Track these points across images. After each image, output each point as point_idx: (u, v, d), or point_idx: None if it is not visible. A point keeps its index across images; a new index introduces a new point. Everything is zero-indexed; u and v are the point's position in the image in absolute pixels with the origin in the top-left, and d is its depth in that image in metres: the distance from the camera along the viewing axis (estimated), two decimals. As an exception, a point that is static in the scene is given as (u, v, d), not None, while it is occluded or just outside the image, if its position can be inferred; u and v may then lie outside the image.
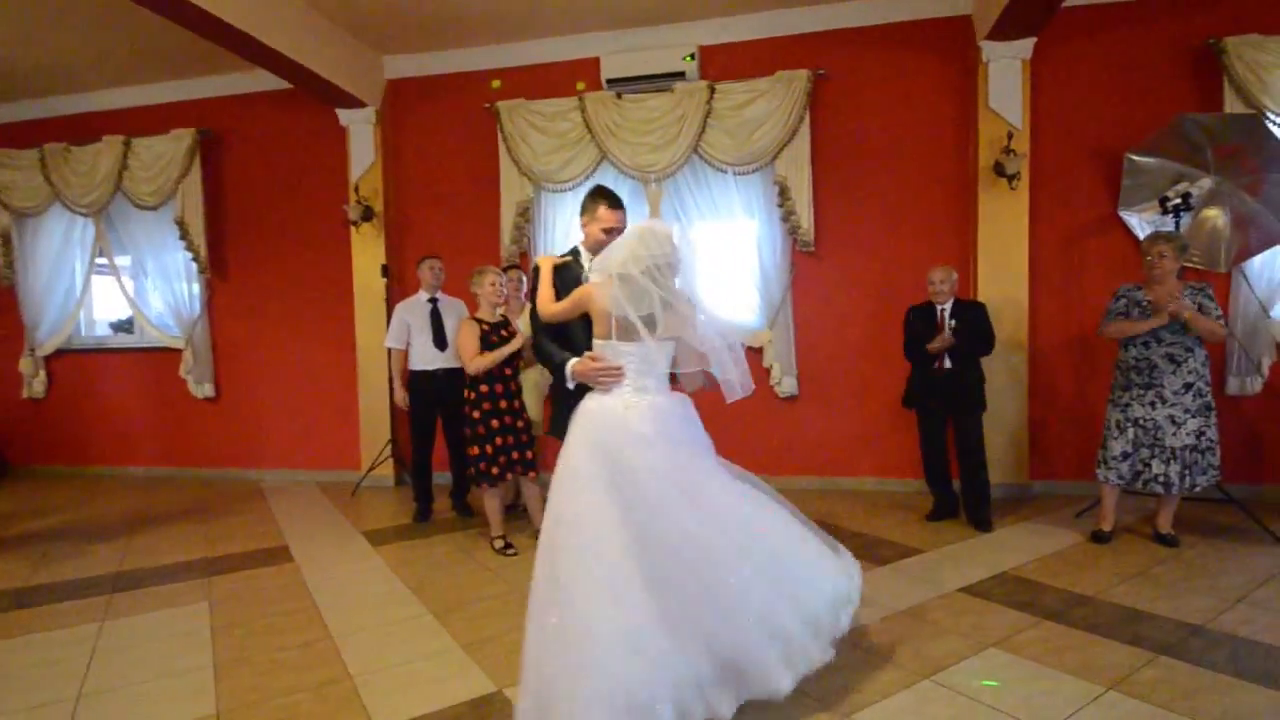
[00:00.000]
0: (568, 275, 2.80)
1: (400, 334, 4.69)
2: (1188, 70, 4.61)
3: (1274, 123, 4.30)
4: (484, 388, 3.87)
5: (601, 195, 2.80)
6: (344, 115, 5.74)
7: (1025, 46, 4.63)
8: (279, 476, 6.15)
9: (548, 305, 2.67)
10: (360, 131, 5.76)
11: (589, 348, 2.49)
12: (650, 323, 2.34)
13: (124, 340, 6.71)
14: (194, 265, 6.12)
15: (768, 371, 5.22)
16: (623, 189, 5.32)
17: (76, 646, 2.85)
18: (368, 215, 5.66)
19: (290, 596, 3.38)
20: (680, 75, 5.19)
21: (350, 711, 2.33)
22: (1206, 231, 4.35)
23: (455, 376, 4.74)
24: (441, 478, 5.04)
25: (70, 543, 4.40)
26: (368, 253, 5.77)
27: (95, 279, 6.55)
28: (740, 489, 2.40)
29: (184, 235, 6.06)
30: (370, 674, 2.58)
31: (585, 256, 2.87)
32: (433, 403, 4.71)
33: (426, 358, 4.67)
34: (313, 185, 5.98)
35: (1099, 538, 3.80)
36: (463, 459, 4.88)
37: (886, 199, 5.04)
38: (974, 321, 4.11)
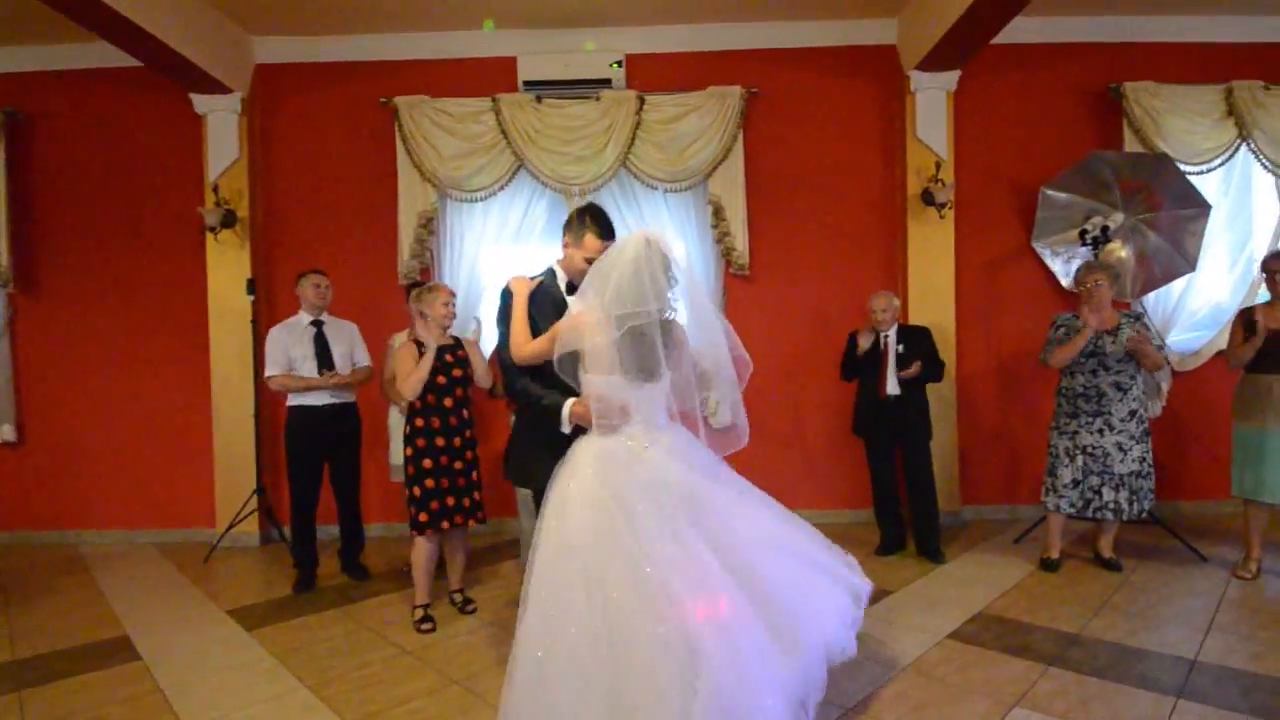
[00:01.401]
0: (544, 300, 2.34)
1: (281, 361, 3.89)
2: (1093, 111, 4.89)
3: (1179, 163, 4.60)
4: (419, 421, 3.26)
5: (593, 220, 2.41)
6: (201, 102, 4.81)
7: (950, 79, 4.72)
8: (106, 539, 4.96)
9: (523, 340, 2.22)
10: (221, 121, 4.85)
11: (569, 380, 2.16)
12: (654, 362, 2.02)
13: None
14: (-7, 278, 4.86)
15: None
16: (542, 202, 4.88)
17: None
18: (229, 220, 4.75)
19: (143, 715, 2.54)
20: (606, 83, 4.82)
21: None
22: (1112, 264, 4.57)
23: (347, 411, 4.05)
24: (325, 531, 4.23)
25: None
26: (228, 265, 4.84)
27: None
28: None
29: (-20, 242, 4.81)
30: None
31: (561, 278, 2.41)
32: (320, 444, 3.95)
33: (312, 392, 3.91)
34: (157, 183, 4.97)
35: (1048, 565, 3.78)
36: (354, 509, 4.14)
37: (819, 222, 4.93)
38: (922, 347, 4.04)
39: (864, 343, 4.08)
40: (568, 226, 2.53)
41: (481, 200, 4.83)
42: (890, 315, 4.07)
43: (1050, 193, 4.65)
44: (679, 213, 4.88)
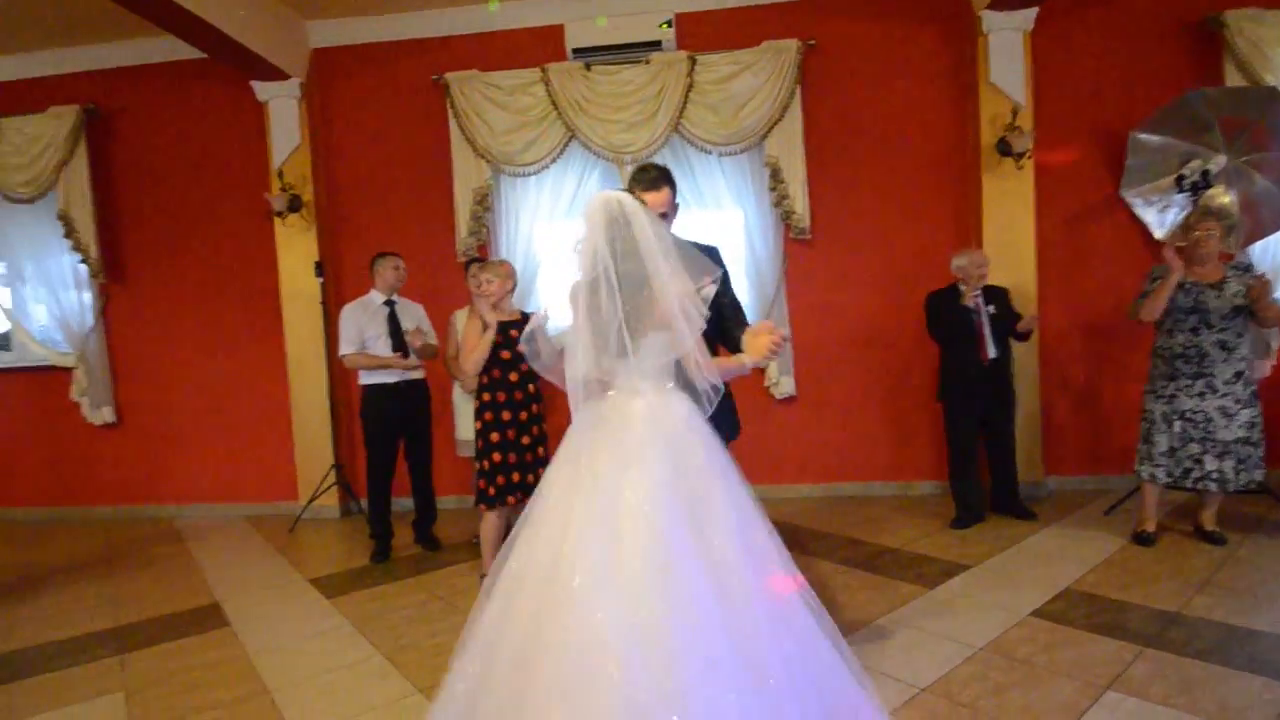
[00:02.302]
0: None
1: (354, 339, 3.99)
2: (1188, 45, 4.44)
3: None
4: (486, 395, 3.31)
5: (636, 175, 2.29)
6: (262, 89, 4.92)
7: (1027, 18, 4.35)
8: (199, 513, 5.28)
9: None
10: (282, 108, 4.96)
11: None
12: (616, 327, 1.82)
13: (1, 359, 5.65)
14: (84, 268, 5.16)
15: (762, 372, 4.78)
16: (595, 173, 4.81)
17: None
18: (295, 205, 4.88)
19: (230, 677, 2.67)
20: (656, 45, 4.67)
21: None
22: (1223, 210, 4.17)
23: (419, 388, 4.14)
24: (401, 504, 4.36)
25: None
26: (297, 248, 4.98)
27: (-43, 287, 5.48)
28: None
29: (70, 233, 5.10)
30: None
31: None
32: (396, 420, 4.05)
33: (385, 370, 4.00)
34: (226, 171, 5.15)
35: (1143, 540, 3.53)
36: (426, 482, 4.25)
37: (884, 181, 4.68)
38: (1007, 307, 3.84)
39: (971, 302, 3.82)
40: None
41: (534, 174, 4.80)
42: (985, 273, 3.86)
43: (1141, 136, 4.26)
44: (735, 178, 4.72)
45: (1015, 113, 4.34)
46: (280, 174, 4.94)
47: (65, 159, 5.06)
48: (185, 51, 4.65)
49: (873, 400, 4.78)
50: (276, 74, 4.80)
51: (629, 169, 4.70)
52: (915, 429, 4.70)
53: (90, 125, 5.12)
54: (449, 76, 4.81)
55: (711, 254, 2.53)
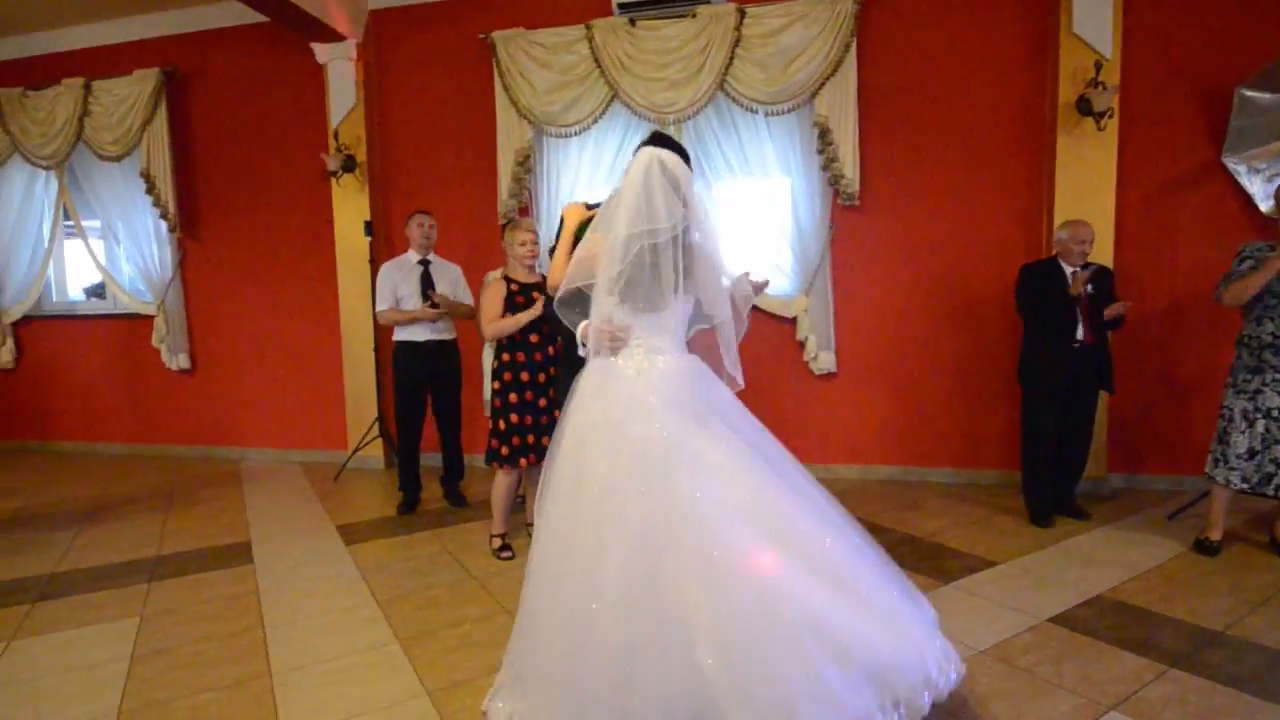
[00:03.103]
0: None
1: (389, 296, 4.09)
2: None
3: None
4: (505, 355, 3.33)
5: (658, 145, 2.13)
6: (321, 51, 5.05)
7: (1120, -44, 3.86)
8: (261, 456, 5.63)
9: (557, 269, 2.14)
10: (339, 69, 5.08)
11: None
12: (661, 290, 1.91)
13: (96, 306, 6.16)
14: (164, 223, 5.53)
15: (802, 345, 4.56)
16: (637, 136, 4.66)
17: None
18: (349, 165, 5.02)
19: (235, 613, 2.83)
20: (704, -1, 4.46)
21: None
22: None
23: (447, 348, 4.20)
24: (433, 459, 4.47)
25: (18, 533, 3.90)
26: (350, 208, 5.13)
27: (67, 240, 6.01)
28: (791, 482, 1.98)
29: (151, 189, 5.46)
30: (306, 733, 2.04)
31: None
32: (422, 378, 4.15)
33: (415, 327, 4.09)
34: (289, 131, 5.34)
35: (1205, 548, 3.15)
36: (455, 440, 4.34)
37: (944, 143, 4.31)
38: (1108, 288, 3.49)
39: (1080, 285, 3.40)
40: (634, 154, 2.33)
41: (576, 135, 4.72)
42: (1087, 250, 3.51)
43: (1250, 94, 3.72)
44: (781, 139, 4.48)
45: (1099, 66, 3.87)
46: (336, 135, 5.08)
47: (148, 119, 5.40)
48: (252, 16, 4.82)
49: (926, 379, 4.48)
50: (333, 35, 4.91)
51: (671, 130, 4.56)
52: (977, 412, 4.38)
53: (170, 87, 5.43)
54: (495, 35, 4.77)
55: None
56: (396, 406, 4.23)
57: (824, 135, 4.32)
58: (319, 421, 5.50)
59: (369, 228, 4.95)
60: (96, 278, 6.07)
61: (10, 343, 6.05)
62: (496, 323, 3.27)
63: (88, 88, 5.49)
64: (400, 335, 4.15)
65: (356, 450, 5.06)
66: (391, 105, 5.19)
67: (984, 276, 4.28)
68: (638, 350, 1.95)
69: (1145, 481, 4.17)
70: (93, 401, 5.99)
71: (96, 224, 5.87)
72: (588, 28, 4.59)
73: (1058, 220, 4.02)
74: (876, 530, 3.57)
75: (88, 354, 5.99)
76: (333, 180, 5.09)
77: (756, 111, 4.43)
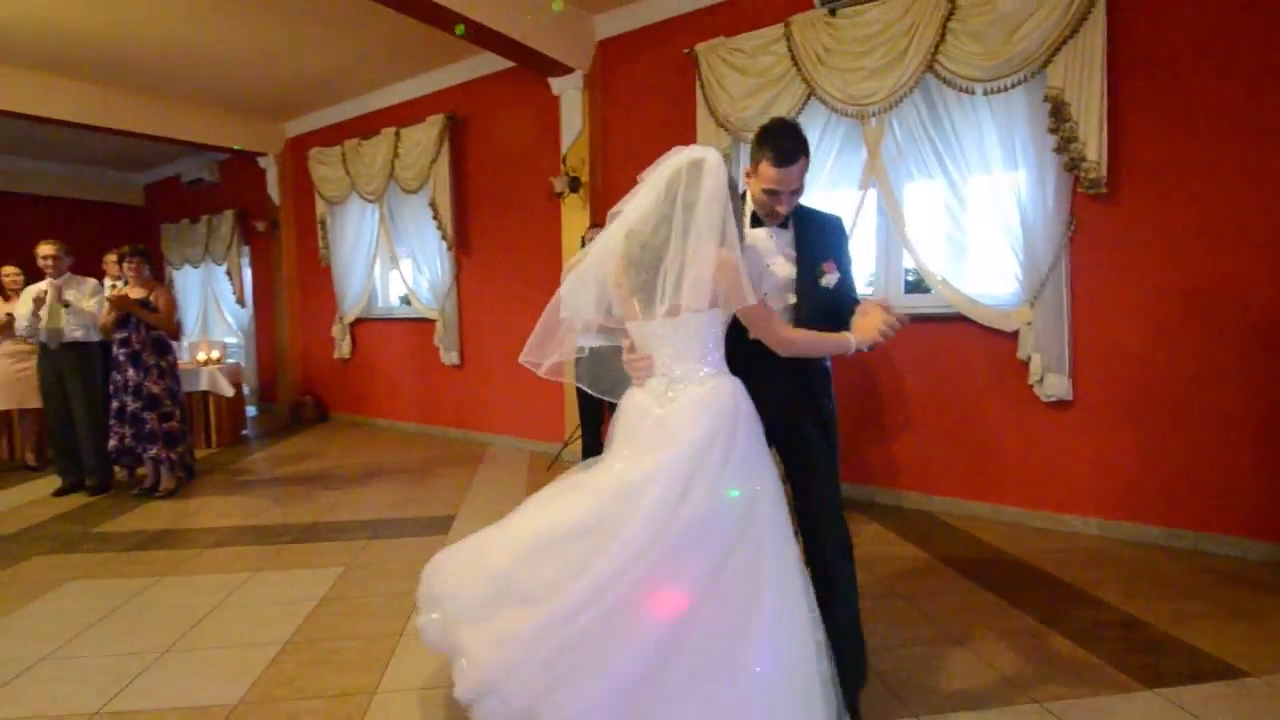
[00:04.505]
0: None
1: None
2: None
3: None
4: None
5: (769, 142, 2.00)
6: (555, 84, 5.64)
7: None
8: (504, 443, 6.47)
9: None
10: (570, 99, 5.61)
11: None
12: (649, 296, 1.83)
13: (404, 311, 7.67)
14: (444, 243, 6.67)
15: (1025, 365, 3.81)
16: (837, 133, 4.36)
17: (211, 595, 3.12)
18: (575, 186, 5.51)
19: (408, 574, 3.30)
20: (914, -26, 3.97)
21: (345, 734, 2.09)
22: None
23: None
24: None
25: (306, 487, 5.06)
26: (574, 226, 5.63)
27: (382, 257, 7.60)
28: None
29: (436, 215, 6.62)
30: (391, 694, 2.33)
31: (747, 209, 2.15)
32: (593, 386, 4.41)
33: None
34: (530, 157, 6.04)
35: None
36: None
37: (1231, 111, 3.23)
38: None
39: None
40: (750, 154, 2.23)
41: (771, 138, 4.55)
42: None
43: None
44: (1002, 121, 3.79)
45: None
46: (564, 159, 5.62)
47: (435, 157, 6.56)
48: (503, 63, 5.58)
49: (1204, 416, 3.42)
50: (565, 69, 5.44)
51: (872, 125, 4.17)
52: (1261, 467, 3.25)
53: (451, 129, 6.52)
54: (698, 48, 4.83)
55: (833, 225, 2.23)
56: (581, 412, 4.57)
57: (1058, 111, 3.54)
58: (545, 415, 6.13)
59: (584, 242, 5.37)
60: (404, 289, 7.55)
61: (348, 339, 7.83)
62: None
63: (397, 135, 6.85)
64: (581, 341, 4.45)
65: (566, 444, 5.53)
66: (611, 127, 5.57)
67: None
68: (660, 379, 1.90)
69: None
70: (395, 387, 7.47)
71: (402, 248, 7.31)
72: (786, 25, 4.39)
73: None
74: (1092, 604, 2.85)
75: (395, 349, 7.48)
76: (561, 200, 5.63)
77: (973, 91, 3.81)
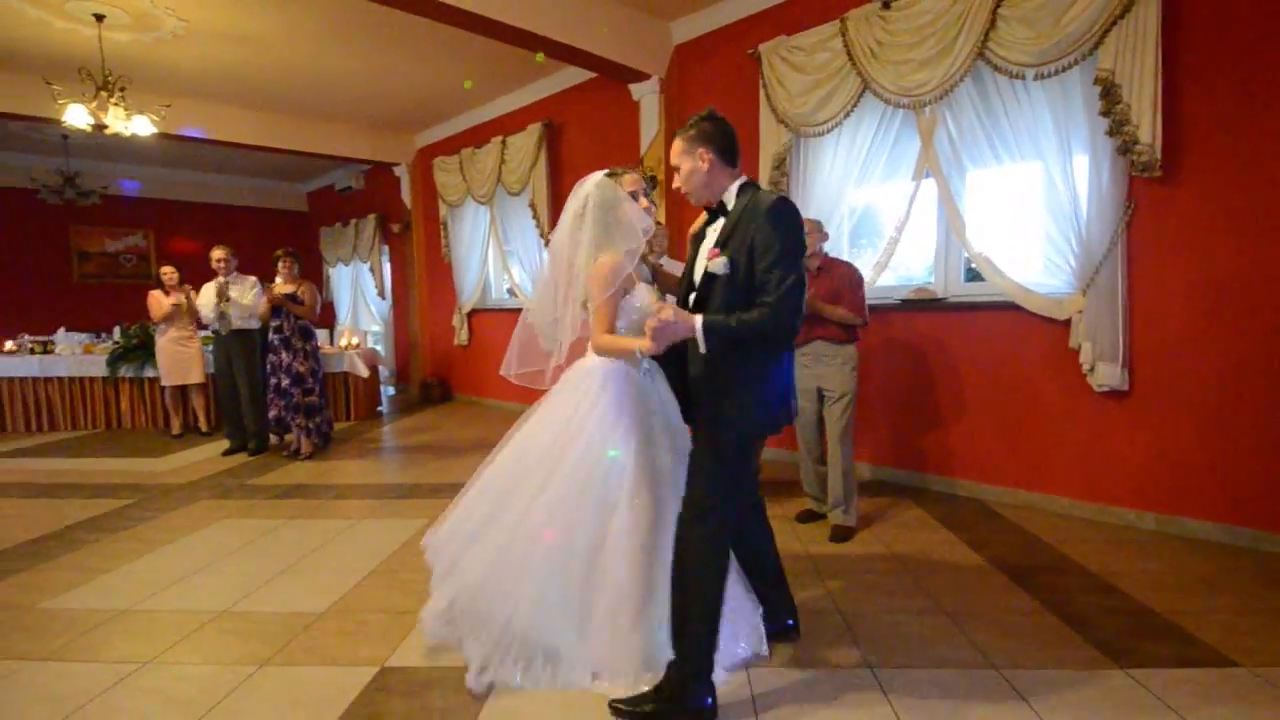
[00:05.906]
0: (697, 243, 2.33)
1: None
2: None
3: None
4: None
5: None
6: (635, 89, 6.02)
7: None
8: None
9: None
10: (648, 103, 5.97)
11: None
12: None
13: (512, 302, 8.39)
14: (541, 240, 7.28)
15: (1075, 353, 3.73)
16: (892, 125, 4.44)
17: (323, 535, 3.82)
18: (651, 184, 5.88)
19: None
20: (967, -39, 3.95)
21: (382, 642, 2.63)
22: None
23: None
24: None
25: (419, 454, 5.83)
26: (653, 220, 6.00)
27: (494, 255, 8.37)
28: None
29: (535, 216, 7.25)
30: (437, 613, 2.85)
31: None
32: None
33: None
34: (614, 160, 6.41)
35: None
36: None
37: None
38: None
39: None
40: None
41: (829, 131, 4.67)
42: None
43: None
44: (1057, 106, 3.71)
45: None
46: (642, 159, 6.00)
47: (534, 162, 7.18)
48: (591, 72, 6.05)
49: (1257, 410, 3.23)
50: (643, 76, 5.82)
51: (926, 116, 4.21)
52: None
53: (548, 135, 7.11)
54: (761, 48, 5.03)
55: (757, 212, 2.07)
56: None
57: (1109, 93, 3.44)
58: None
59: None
60: (513, 281, 8.28)
61: (466, 327, 8.70)
62: None
63: (503, 143, 7.54)
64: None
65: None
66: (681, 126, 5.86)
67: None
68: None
69: None
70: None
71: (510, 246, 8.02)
72: (841, 21, 4.50)
73: None
74: (1094, 590, 2.86)
75: (505, 337, 8.17)
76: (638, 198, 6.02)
77: (1023, 76, 3.76)
